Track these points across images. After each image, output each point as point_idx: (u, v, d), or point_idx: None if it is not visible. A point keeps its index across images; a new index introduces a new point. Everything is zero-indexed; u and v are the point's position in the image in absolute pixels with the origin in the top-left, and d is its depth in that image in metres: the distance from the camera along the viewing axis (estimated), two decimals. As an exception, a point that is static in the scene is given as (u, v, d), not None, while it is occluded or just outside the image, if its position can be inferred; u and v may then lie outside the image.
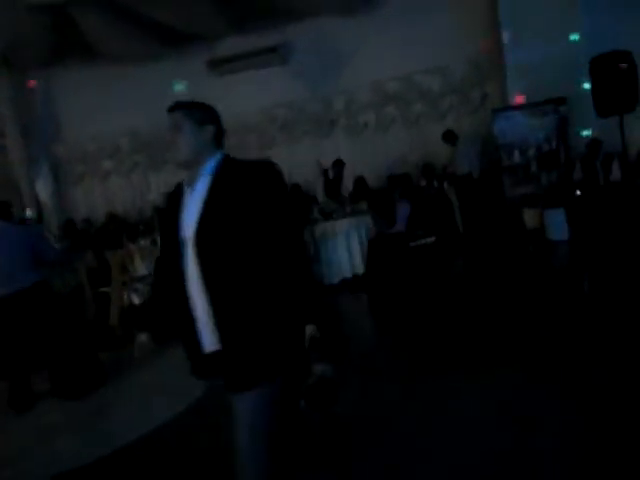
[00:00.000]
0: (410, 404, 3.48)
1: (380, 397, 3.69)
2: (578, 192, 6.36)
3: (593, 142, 6.55)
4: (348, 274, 6.79)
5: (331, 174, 8.19)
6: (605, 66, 5.24)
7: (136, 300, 7.59)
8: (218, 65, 9.40)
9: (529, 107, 7.07)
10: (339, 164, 8.14)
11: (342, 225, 6.85)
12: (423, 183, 7.95)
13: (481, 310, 5.02)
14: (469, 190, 6.99)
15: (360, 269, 6.74)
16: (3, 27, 6.74)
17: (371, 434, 3.19)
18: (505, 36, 7.50)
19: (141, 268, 7.43)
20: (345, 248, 6.76)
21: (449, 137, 7.74)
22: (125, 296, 7.40)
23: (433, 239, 6.06)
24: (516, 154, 7.18)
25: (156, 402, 4.34)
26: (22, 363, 4.72)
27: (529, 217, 7.00)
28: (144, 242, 7.75)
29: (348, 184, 8.83)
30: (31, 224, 5.86)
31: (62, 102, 9.65)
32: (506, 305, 5.01)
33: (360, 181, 8.19)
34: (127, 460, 3.48)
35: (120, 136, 9.69)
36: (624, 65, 5.17)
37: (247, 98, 9.28)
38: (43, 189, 9.47)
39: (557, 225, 6.57)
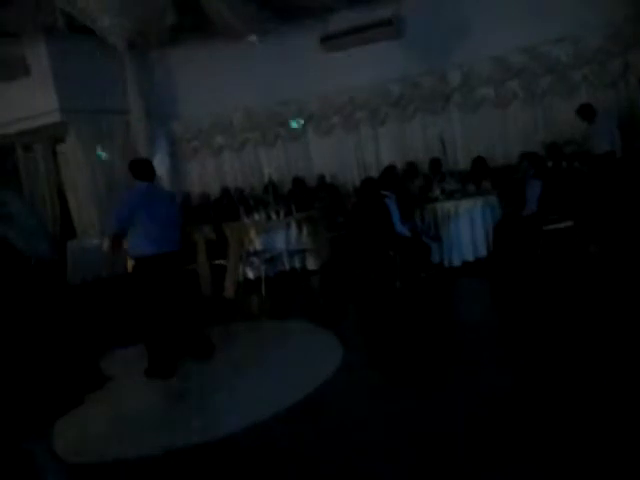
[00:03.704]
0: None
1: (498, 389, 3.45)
2: None
3: None
4: (470, 257, 6.49)
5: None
6: None
7: (250, 274, 7.75)
8: (331, 40, 9.24)
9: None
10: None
11: (465, 205, 6.54)
12: (549, 164, 7.39)
13: (619, 304, 4.52)
14: (609, 170, 6.37)
15: (483, 252, 6.41)
16: (133, 10, 6.92)
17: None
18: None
19: (257, 243, 7.53)
20: (468, 229, 6.44)
21: (586, 112, 7.00)
22: (240, 270, 7.55)
23: (570, 223, 5.58)
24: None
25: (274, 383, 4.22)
26: (163, 326, 4.78)
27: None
28: (259, 217, 7.85)
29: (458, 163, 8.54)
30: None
31: (180, 80, 9.94)
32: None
33: (479, 161, 7.77)
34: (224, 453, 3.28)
35: (233, 112, 9.84)
36: None
37: (360, 74, 9.07)
38: (161, 164, 9.82)
39: None
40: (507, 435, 2.90)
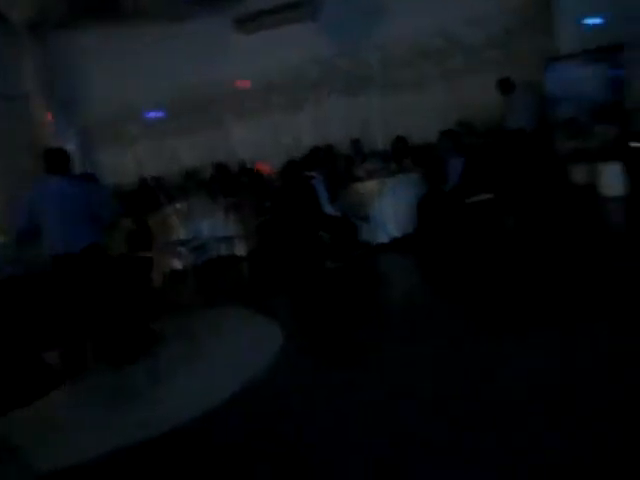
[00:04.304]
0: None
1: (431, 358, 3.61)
2: (635, 144, 6.13)
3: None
4: (398, 233, 6.64)
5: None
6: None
7: (178, 264, 7.50)
8: (245, 23, 9.06)
9: (583, 56, 6.75)
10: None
11: (389, 184, 6.68)
12: (465, 140, 7.69)
13: (532, 269, 4.82)
14: (521, 146, 6.73)
15: (410, 228, 6.59)
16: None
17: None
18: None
19: (182, 231, 7.31)
20: (394, 207, 6.59)
21: (505, 85, 7.23)
22: (167, 260, 7.30)
23: (490, 196, 5.85)
24: (568, 107, 6.90)
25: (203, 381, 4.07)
26: (76, 328, 4.60)
27: (580, 173, 6.80)
28: (181, 205, 7.61)
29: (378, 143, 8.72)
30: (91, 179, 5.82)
31: (88, 65, 9.35)
32: (561, 265, 4.81)
33: (400, 140, 7.95)
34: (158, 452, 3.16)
35: (148, 99, 9.41)
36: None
37: (275, 56, 8.98)
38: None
39: (612, 181, 6.38)
40: (446, 406, 3.01)
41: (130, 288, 4.95)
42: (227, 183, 8.24)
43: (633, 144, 6.31)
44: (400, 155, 7.30)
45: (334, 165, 7.62)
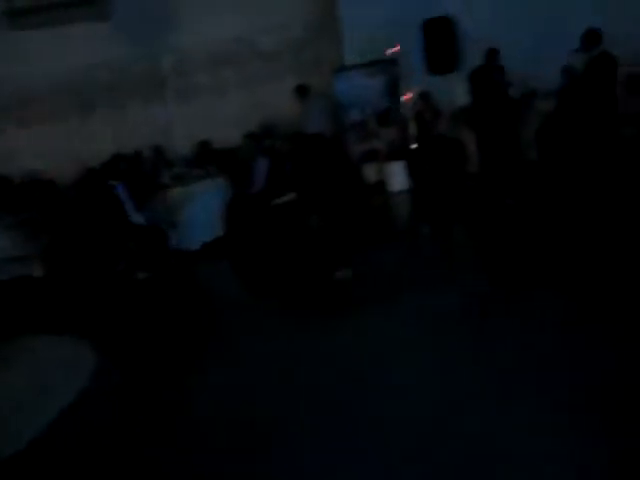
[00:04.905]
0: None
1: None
2: (414, 145, 7.02)
3: (422, 95, 7.07)
4: (208, 238, 6.65)
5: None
6: (435, 28, 5.83)
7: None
8: (20, 17, 8.20)
9: (364, 67, 7.49)
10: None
11: (195, 189, 6.66)
12: (266, 143, 7.97)
13: (334, 262, 5.28)
14: (319, 148, 7.19)
15: (220, 232, 6.63)
16: None
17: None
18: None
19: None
20: (202, 212, 6.59)
21: (300, 91, 7.62)
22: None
23: (293, 196, 6.16)
24: (356, 112, 7.60)
25: None
26: None
27: (371, 171, 7.55)
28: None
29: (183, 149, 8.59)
30: None
31: None
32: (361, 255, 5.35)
33: (203, 145, 7.97)
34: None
35: None
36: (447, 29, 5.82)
37: (59, 57, 8.32)
38: None
39: (397, 177, 7.22)
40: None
41: None
42: (11, 198, 7.37)
43: (411, 145, 7.22)
44: (204, 160, 7.32)
45: (138, 172, 7.33)
